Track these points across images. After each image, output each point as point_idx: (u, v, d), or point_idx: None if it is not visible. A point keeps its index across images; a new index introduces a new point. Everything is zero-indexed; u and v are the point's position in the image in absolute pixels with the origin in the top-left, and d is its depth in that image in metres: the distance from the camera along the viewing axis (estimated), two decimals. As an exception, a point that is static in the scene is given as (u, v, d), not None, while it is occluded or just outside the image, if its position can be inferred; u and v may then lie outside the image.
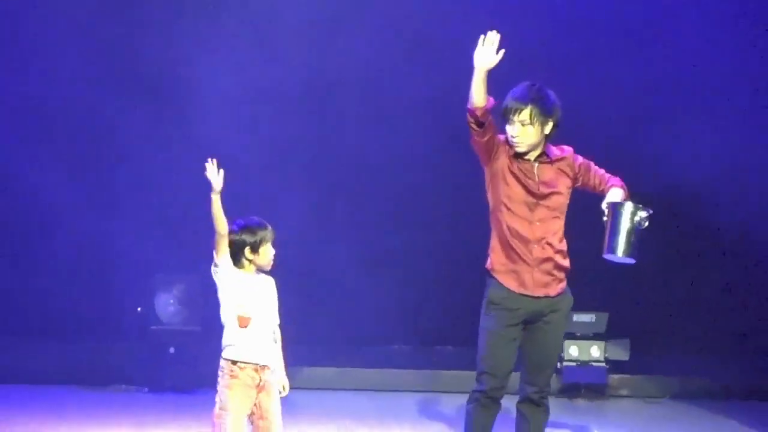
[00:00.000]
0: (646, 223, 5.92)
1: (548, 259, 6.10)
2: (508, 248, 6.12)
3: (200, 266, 9.68)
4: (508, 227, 6.11)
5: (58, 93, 10.93)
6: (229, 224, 5.89)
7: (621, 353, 10.22)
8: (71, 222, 10.82)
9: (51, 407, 9.31)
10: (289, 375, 6.08)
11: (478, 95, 5.93)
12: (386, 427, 8.90)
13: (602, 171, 6.23)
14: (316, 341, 10.27)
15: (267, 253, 5.96)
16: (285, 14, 10.95)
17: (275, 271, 6.08)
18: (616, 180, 6.19)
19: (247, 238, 5.92)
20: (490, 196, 6.23)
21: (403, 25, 10.98)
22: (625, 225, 5.93)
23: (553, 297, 6.12)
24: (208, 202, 5.82)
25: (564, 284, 6.17)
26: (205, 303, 9.91)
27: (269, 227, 6.00)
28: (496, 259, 6.20)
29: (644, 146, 10.77)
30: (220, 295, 5.96)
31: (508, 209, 6.11)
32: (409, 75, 11.00)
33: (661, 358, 10.66)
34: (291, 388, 6.07)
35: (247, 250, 5.92)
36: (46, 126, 11.03)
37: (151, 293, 10.18)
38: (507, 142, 6.15)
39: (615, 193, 6.07)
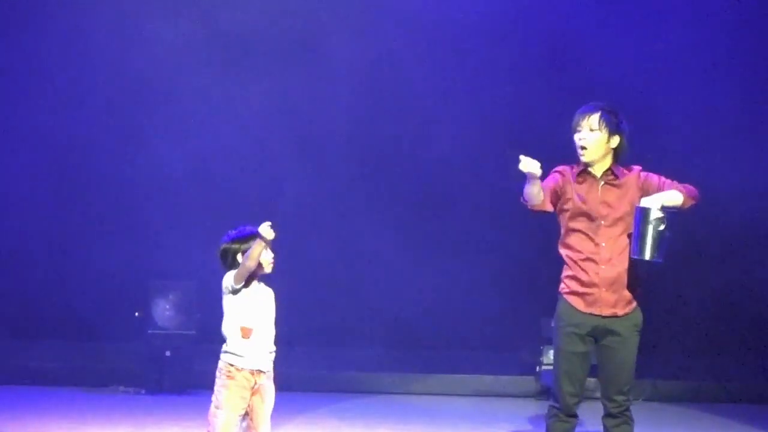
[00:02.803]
0: (662, 226, 5.84)
1: (617, 279, 6.04)
2: (578, 270, 6.06)
3: (195, 273, 10.01)
4: (577, 250, 6.07)
5: (56, 97, 11.07)
6: (226, 236, 6.08)
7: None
8: (72, 229, 11.00)
9: (51, 408, 9.38)
10: (276, 378, 6.16)
11: (534, 198, 5.99)
12: (372, 428, 8.96)
13: (666, 180, 6.10)
14: (303, 344, 10.38)
15: (262, 257, 6.01)
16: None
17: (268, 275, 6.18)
18: (676, 185, 6.06)
19: (238, 245, 6.05)
20: (560, 222, 6.17)
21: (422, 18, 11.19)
22: (643, 228, 5.86)
23: (620, 316, 6.06)
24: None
25: (632, 304, 6.08)
26: (199, 308, 10.13)
27: None
28: (567, 283, 6.12)
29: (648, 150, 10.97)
30: (225, 307, 6.08)
31: (575, 232, 6.08)
32: (440, 70, 11.25)
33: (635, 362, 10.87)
34: (281, 390, 6.16)
35: (239, 256, 6.04)
36: (43, 132, 11.12)
37: (149, 299, 10.28)
38: (567, 169, 6.16)
39: (652, 197, 5.95)
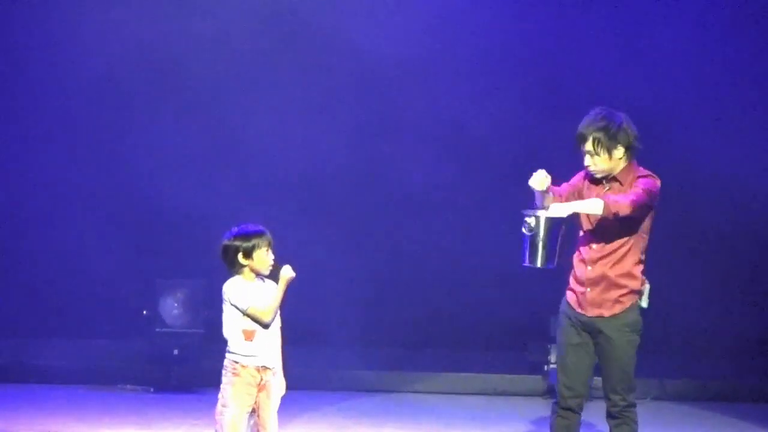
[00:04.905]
0: (525, 229, 5.94)
1: (603, 280, 6.12)
2: (575, 269, 6.23)
3: (203, 272, 10.03)
4: (578, 250, 6.24)
5: (63, 95, 11.09)
6: (228, 233, 6.03)
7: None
8: (81, 227, 11.00)
9: (59, 406, 9.39)
10: (286, 375, 6.16)
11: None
12: (379, 426, 9.00)
13: (631, 190, 6.10)
14: (313, 342, 10.40)
15: (262, 258, 6.00)
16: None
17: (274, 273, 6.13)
18: (608, 197, 6.05)
19: (239, 243, 5.99)
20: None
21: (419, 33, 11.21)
22: (531, 236, 5.98)
23: (606, 317, 6.13)
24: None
25: (623, 305, 6.13)
26: (207, 306, 10.06)
27: (266, 233, 6.04)
28: (569, 279, 6.30)
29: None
30: (226, 312, 6.04)
31: (582, 234, 6.23)
32: (423, 84, 11.29)
33: (642, 361, 10.79)
34: (288, 388, 6.15)
35: (240, 256, 5.98)
36: (48, 129, 11.16)
37: (157, 297, 10.26)
38: (583, 174, 6.26)
39: (560, 205, 6.03)
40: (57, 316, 10.86)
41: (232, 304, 5.99)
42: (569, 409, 6.24)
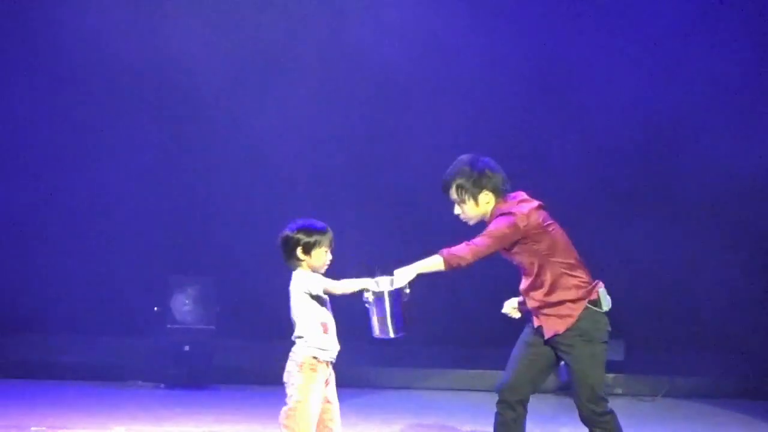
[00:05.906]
0: (367, 303, 5.96)
1: (540, 306, 6.13)
2: None
3: (215, 268, 10.06)
4: None
5: (75, 92, 11.16)
6: (292, 224, 5.96)
7: (616, 353, 10.22)
8: (93, 225, 11.08)
9: (70, 402, 9.45)
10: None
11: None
12: (389, 423, 9.01)
13: (477, 237, 6.08)
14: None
15: (320, 257, 5.90)
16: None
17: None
18: (446, 251, 6.09)
19: (301, 237, 5.90)
20: None
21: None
22: (379, 308, 6.04)
23: (561, 333, 6.07)
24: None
25: (571, 318, 6.04)
26: (218, 303, 10.14)
27: (329, 232, 5.95)
28: None
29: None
30: (304, 306, 5.92)
31: None
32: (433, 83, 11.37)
33: (653, 359, 10.84)
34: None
35: (299, 250, 5.87)
36: (63, 129, 11.21)
37: (168, 293, 10.30)
38: None
39: (402, 271, 6.06)
40: (68, 313, 10.88)
41: (308, 293, 5.90)
42: (507, 403, 6.26)
